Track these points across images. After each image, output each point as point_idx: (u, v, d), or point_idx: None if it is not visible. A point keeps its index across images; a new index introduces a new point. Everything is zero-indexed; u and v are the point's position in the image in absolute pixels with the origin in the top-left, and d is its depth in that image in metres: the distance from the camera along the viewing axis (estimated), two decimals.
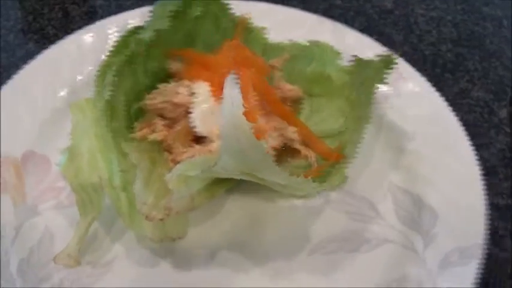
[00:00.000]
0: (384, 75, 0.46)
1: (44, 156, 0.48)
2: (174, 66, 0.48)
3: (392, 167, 0.49)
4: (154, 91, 0.47)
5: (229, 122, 0.33)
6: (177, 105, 0.45)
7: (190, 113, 0.45)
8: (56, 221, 0.44)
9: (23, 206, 0.45)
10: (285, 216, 0.46)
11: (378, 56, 0.46)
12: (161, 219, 0.39)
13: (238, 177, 0.40)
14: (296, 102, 0.52)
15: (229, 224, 0.45)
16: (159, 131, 0.45)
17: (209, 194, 0.42)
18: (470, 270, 0.40)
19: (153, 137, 0.45)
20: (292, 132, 0.47)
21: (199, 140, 0.46)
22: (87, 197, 0.42)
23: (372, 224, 0.46)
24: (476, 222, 0.43)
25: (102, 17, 0.60)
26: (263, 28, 0.55)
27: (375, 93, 0.47)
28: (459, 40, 0.65)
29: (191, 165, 0.38)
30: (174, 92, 0.45)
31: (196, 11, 0.50)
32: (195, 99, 0.44)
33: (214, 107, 0.44)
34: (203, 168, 0.37)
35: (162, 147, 0.46)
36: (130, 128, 0.46)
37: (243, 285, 0.42)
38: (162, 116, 0.46)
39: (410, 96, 0.52)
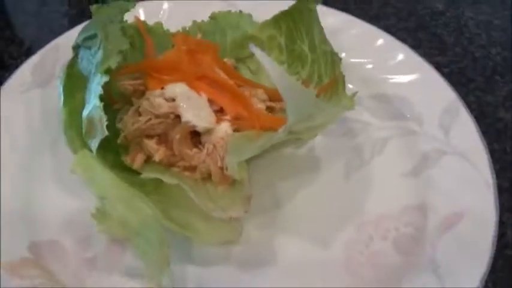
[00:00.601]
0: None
1: (50, 241, 0.43)
2: (131, 84, 0.46)
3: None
4: (126, 116, 0.45)
5: (283, 85, 0.34)
6: (163, 116, 0.44)
7: (178, 117, 0.44)
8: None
9: None
10: (298, 163, 0.50)
11: None
12: (246, 212, 0.39)
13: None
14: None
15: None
16: (155, 151, 0.44)
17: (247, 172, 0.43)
18: (466, 118, 0.49)
19: (157, 157, 0.43)
20: (261, 93, 0.49)
21: (194, 137, 0.45)
22: (145, 241, 0.39)
23: (366, 133, 0.52)
24: (442, 86, 0.52)
25: None
26: (158, 22, 0.55)
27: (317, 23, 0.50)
28: (508, 44, 0.66)
29: (243, 148, 0.38)
30: (153, 105, 0.44)
31: None
32: (179, 102, 0.44)
33: (201, 98, 0.44)
34: (262, 144, 0.38)
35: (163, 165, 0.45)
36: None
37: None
38: (148, 136, 0.45)
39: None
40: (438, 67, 0.56)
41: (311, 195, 0.47)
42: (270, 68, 0.34)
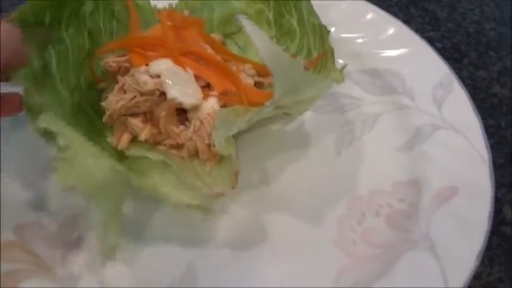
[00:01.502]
0: None
1: (34, 223, 0.42)
2: (116, 61, 0.44)
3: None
4: (110, 94, 0.43)
5: (270, 55, 0.33)
6: (149, 93, 0.42)
7: (163, 94, 0.42)
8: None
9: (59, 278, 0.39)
10: (287, 139, 0.49)
11: None
12: (233, 188, 0.38)
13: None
14: None
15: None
16: (141, 130, 0.43)
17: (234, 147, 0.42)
18: (459, 92, 0.48)
19: (143, 136, 0.42)
20: (249, 68, 0.48)
21: (180, 114, 0.44)
22: (104, 197, 0.37)
23: (357, 108, 0.50)
24: (434, 60, 0.51)
25: None
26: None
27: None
28: (502, 20, 0.66)
29: (230, 123, 0.37)
30: (138, 82, 0.42)
31: (89, 6, 0.47)
32: (164, 78, 0.42)
33: (187, 74, 0.43)
34: (250, 118, 0.36)
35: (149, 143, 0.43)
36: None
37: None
38: (133, 115, 0.43)
39: None
40: (431, 42, 0.55)
41: (301, 171, 0.46)
42: (257, 39, 0.33)
